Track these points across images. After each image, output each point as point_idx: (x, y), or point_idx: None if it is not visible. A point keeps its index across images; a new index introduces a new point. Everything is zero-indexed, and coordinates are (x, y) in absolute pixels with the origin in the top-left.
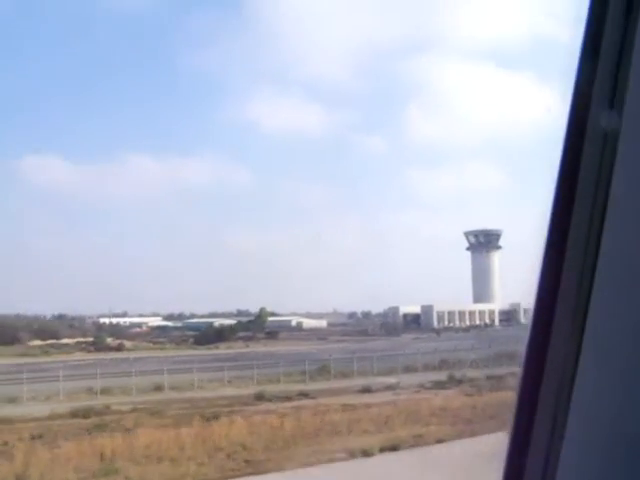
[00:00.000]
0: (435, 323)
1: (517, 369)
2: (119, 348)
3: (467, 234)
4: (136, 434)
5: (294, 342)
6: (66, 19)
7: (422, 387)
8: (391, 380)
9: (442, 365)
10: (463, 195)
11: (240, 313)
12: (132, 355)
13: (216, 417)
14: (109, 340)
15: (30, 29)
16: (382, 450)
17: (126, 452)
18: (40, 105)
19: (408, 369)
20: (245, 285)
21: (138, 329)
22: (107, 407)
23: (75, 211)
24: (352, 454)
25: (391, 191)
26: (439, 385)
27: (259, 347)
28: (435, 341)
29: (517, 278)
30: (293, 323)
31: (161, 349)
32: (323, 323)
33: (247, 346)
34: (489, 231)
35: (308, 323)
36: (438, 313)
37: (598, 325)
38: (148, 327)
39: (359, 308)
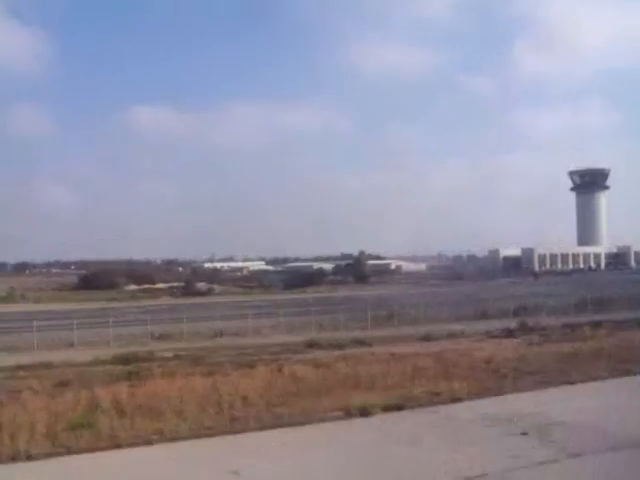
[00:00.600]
0: (536, 266)
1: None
2: (207, 292)
3: (572, 174)
4: (150, 383)
5: (385, 286)
6: None
7: (487, 335)
8: (458, 327)
9: (519, 312)
10: (572, 134)
11: (344, 256)
12: (216, 299)
13: (251, 366)
14: (200, 285)
15: None
16: (385, 409)
17: (114, 402)
18: (148, 58)
19: (483, 315)
20: (351, 228)
21: (239, 273)
22: (151, 353)
23: (181, 158)
24: (348, 413)
25: (497, 132)
26: (506, 333)
27: (346, 291)
28: (531, 286)
29: (628, 219)
30: (392, 267)
31: (248, 294)
32: (422, 267)
33: (334, 290)
34: (595, 170)
35: (407, 267)
36: (539, 256)
37: None
38: (249, 271)
39: (465, 251)
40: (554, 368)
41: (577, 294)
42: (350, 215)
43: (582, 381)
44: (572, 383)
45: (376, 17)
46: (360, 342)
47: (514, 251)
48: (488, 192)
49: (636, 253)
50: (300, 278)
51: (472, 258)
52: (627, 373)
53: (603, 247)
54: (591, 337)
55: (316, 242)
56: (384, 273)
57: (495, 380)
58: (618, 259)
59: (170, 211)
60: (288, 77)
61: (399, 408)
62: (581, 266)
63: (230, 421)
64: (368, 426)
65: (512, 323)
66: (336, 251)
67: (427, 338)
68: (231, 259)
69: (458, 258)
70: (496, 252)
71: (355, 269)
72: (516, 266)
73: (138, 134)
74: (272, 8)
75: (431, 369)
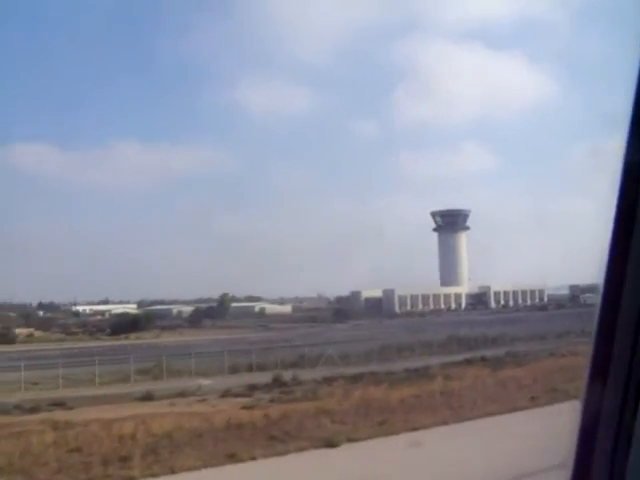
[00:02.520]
0: (397, 308)
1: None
2: (12, 341)
3: (433, 214)
4: None
5: (221, 330)
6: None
7: (227, 393)
8: (205, 382)
9: (299, 362)
10: (449, 177)
11: (208, 300)
12: (20, 348)
13: None
14: (18, 330)
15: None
16: None
17: None
18: (28, 93)
19: (259, 367)
20: (230, 271)
21: (100, 317)
22: None
23: (62, 197)
24: None
25: (381, 174)
26: (249, 390)
27: (175, 337)
28: (370, 328)
29: (487, 260)
30: (256, 309)
31: (62, 340)
32: (287, 309)
33: (157, 336)
34: (456, 211)
35: (272, 309)
36: (400, 297)
37: None
38: (110, 315)
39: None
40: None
41: (393, 339)
42: (230, 257)
43: None
44: None
45: (260, 58)
46: (60, 404)
47: (376, 292)
48: (368, 232)
49: (495, 293)
50: (127, 323)
51: (348, 298)
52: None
53: (464, 288)
54: (323, 396)
55: (196, 284)
56: (245, 316)
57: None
58: (478, 299)
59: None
60: (173, 116)
61: None
62: (441, 306)
63: None
64: None
65: (268, 377)
66: (215, 293)
67: (149, 397)
68: (107, 301)
69: (340, 299)
70: (358, 293)
71: (216, 312)
72: (377, 307)
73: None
74: (156, 48)
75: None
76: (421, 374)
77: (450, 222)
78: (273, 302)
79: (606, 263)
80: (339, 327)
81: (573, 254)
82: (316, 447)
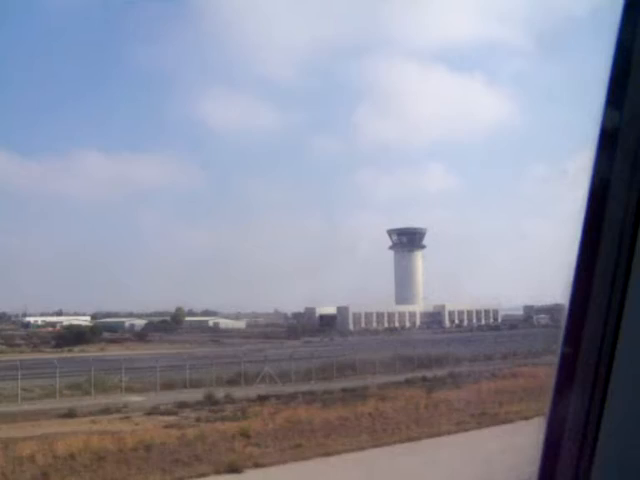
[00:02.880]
0: (351, 325)
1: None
2: None
3: (390, 232)
4: None
5: (169, 345)
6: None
7: (155, 410)
8: (135, 399)
9: (236, 379)
10: (409, 196)
11: (164, 313)
12: None
13: None
14: None
15: None
16: None
17: None
18: None
19: (195, 384)
20: (188, 285)
21: (51, 329)
22: None
23: (19, 205)
24: None
25: (344, 192)
26: (178, 407)
27: (115, 350)
28: (322, 346)
29: (442, 279)
30: (210, 324)
31: (4, 352)
32: (242, 324)
33: (102, 349)
34: (412, 229)
35: (226, 324)
36: (354, 315)
37: (632, 325)
38: (62, 327)
39: (302, 308)
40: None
41: (339, 357)
42: (189, 271)
43: None
44: None
45: (225, 72)
46: None
47: (331, 309)
48: (328, 249)
49: (450, 312)
50: (72, 336)
51: (298, 316)
52: None
53: (418, 306)
54: (251, 416)
55: (154, 297)
56: (199, 330)
57: None
58: (433, 318)
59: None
60: (136, 129)
61: None
62: (396, 325)
63: None
64: None
65: (201, 394)
66: (172, 307)
67: (71, 414)
68: (60, 313)
69: (297, 315)
70: (312, 310)
71: (169, 326)
72: (331, 324)
73: None
74: (120, 57)
75: None
76: (357, 394)
77: (406, 240)
78: (229, 317)
79: (572, 281)
80: (291, 344)
81: (529, 275)
82: (218, 472)
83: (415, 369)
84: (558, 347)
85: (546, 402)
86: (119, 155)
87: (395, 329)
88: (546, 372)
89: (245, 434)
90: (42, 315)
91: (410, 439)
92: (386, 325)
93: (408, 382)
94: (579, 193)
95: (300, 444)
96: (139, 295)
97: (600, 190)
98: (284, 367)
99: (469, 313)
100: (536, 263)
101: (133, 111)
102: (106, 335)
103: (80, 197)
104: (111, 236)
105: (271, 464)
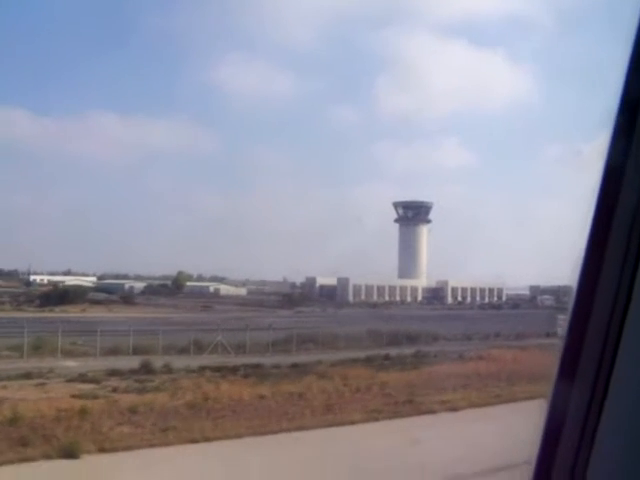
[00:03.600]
0: (350, 297)
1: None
2: None
3: (396, 205)
4: None
5: (154, 309)
6: None
7: (80, 378)
8: (68, 364)
9: (187, 348)
10: (424, 169)
11: (171, 277)
12: None
13: None
14: None
15: None
16: None
17: None
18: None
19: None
20: (199, 249)
21: (51, 287)
22: None
23: (33, 163)
24: None
25: (360, 162)
26: (100, 378)
27: (96, 312)
28: (310, 317)
29: (447, 255)
30: (211, 289)
31: None
32: (243, 291)
33: (83, 311)
34: (418, 203)
35: (227, 290)
36: (355, 286)
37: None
38: (63, 286)
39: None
40: None
41: (316, 329)
42: (200, 235)
43: None
44: None
45: (242, 39)
46: None
47: (332, 280)
48: (339, 219)
49: (453, 289)
50: (56, 295)
51: (304, 285)
52: None
53: (421, 281)
54: (171, 389)
55: (164, 260)
56: (198, 296)
57: None
58: (435, 294)
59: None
60: (151, 92)
61: None
62: (397, 299)
63: None
64: None
65: (137, 362)
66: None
67: None
68: (69, 272)
69: (305, 283)
70: (313, 280)
71: (168, 290)
72: (331, 296)
73: None
74: (136, 20)
75: None
76: (302, 370)
77: (412, 214)
78: (236, 284)
79: (581, 264)
80: (281, 313)
81: (537, 255)
82: (49, 457)
83: (384, 346)
84: (552, 329)
85: (549, 385)
86: (134, 117)
87: (395, 303)
88: (516, 356)
89: (134, 410)
90: (51, 274)
91: (301, 428)
92: (387, 299)
93: (367, 360)
94: (593, 175)
95: (174, 426)
96: (149, 258)
97: (614, 173)
98: (253, 337)
99: (472, 290)
100: (544, 244)
101: (149, 75)
102: (92, 296)
103: (93, 158)
104: (123, 198)
105: (117, 449)
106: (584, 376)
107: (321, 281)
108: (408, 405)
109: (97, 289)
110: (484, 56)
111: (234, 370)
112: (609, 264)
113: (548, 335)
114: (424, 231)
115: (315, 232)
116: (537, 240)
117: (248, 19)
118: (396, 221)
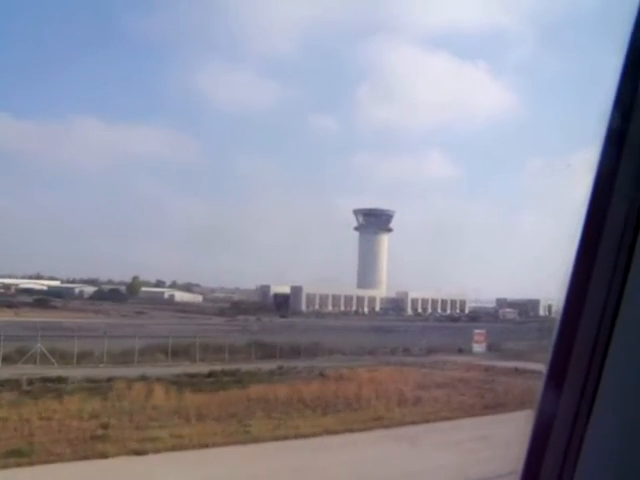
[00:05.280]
0: (303, 306)
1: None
2: None
3: (356, 212)
4: None
5: (75, 313)
6: None
7: None
8: None
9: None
10: (409, 181)
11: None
12: None
13: None
14: None
15: None
16: None
17: None
18: None
19: None
20: (172, 256)
21: (1, 290)
22: None
23: (12, 166)
24: None
25: (340, 173)
26: None
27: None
28: (237, 326)
29: (407, 265)
30: (166, 296)
31: None
32: (199, 298)
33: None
34: (379, 210)
35: (181, 297)
36: (308, 295)
37: (627, 325)
38: (16, 290)
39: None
40: None
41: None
42: (176, 242)
43: None
44: None
45: (225, 47)
46: None
47: (285, 289)
48: (301, 228)
49: (413, 300)
50: None
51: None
52: None
53: (380, 291)
54: None
55: (133, 266)
56: (151, 302)
57: None
58: (394, 304)
59: None
60: (135, 99)
61: None
62: (354, 308)
63: None
64: None
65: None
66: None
67: None
68: (38, 276)
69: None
70: (267, 288)
71: (120, 295)
72: (284, 304)
73: None
74: (121, 25)
75: None
76: (104, 386)
77: (373, 222)
78: (206, 291)
79: (570, 274)
80: (212, 322)
81: (507, 268)
82: None
83: (256, 359)
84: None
85: (535, 396)
86: (116, 123)
87: (348, 313)
88: (375, 376)
89: None
90: (23, 278)
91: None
92: (342, 309)
93: (201, 376)
94: (572, 188)
95: None
96: (122, 264)
97: (603, 187)
98: (118, 345)
99: (434, 302)
100: (514, 257)
101: (133, 81)
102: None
103: (73, 162)
104: (101, 203)
105: None
106: (571, 385)
107: (275, 289)
108: (148, 443)
109: (48, 293)
110: (466, 68)
111: (31, 382)
112: (597, 277)
113: (460, 351)
114: (384, 240)
115: (291, 240)
116: (507, 253)
117: (231, 28)
118: (356, 229)
